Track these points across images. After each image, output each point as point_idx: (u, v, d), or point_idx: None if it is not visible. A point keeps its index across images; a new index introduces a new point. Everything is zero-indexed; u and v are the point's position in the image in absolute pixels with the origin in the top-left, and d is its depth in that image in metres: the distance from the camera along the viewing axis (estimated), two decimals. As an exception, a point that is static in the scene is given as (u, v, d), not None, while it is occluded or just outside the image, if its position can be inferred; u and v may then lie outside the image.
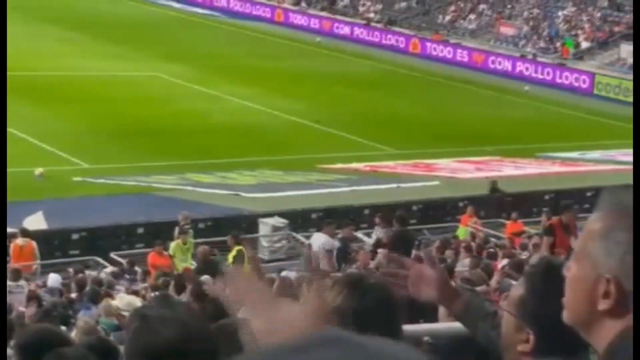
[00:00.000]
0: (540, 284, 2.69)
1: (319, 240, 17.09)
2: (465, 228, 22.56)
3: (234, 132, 32.50)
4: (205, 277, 14.78)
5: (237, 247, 19.04)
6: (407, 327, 4.80)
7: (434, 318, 6.29)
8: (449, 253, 16.55)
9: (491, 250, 16.08)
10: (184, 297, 12.82)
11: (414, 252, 15.97)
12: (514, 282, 8.44)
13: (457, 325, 3.30)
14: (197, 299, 11.06)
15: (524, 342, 2.70)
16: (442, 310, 5.25)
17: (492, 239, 20.11)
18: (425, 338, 4.73)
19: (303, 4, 59.80)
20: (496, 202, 23.71)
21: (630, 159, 25.13)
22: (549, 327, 2.65)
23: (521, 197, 26.54)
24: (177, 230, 20.47)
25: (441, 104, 39.77)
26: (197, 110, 35.34)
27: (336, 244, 17.63)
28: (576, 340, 2.56)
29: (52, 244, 21.15)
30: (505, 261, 12.49)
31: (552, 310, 2.63)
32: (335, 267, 16.35)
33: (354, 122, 35.03)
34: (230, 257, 18.87)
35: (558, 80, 45.39)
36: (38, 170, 25.45)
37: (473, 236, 21.20)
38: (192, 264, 18.92)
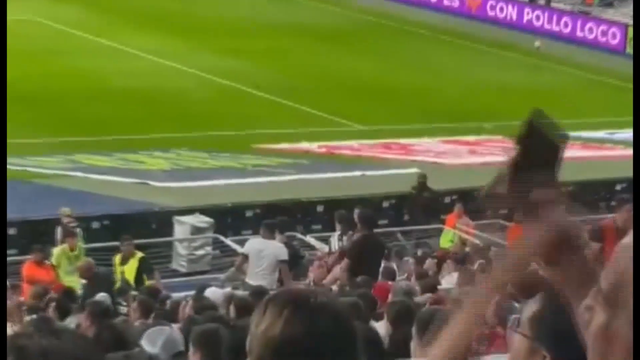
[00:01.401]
0: (558, 297, 2.76)
1: (267, 248, 16.93)
2: (452, 231, 22.72)
3: (142, 99, 32.35)
4: (100, 296, 14.79)
5: (138, 256, 18.87)
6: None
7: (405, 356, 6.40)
8: (430, 264, 16.68)
9: (483, 262, 16.22)
10: (75, 320, 12.83)
11: (383, 263, 16.08)
12: (517, 305, 8.54)
13: None
14: (93, 323, 11.09)
15: None
16: (418, 350, 5.36)
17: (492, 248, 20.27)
18: None
19: None
20: (423, 204, 23.87)
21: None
22: (568, 348, 2.72)
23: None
24: (60, 231, 20.36)
25: (424, 64, 39.93)
26: (91, 69, 35.10)
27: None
28: None
29: None
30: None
31: (572, 328, 2.71)
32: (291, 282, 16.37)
33: (306, 87, 35.03)
34: (131, 270, 18.65)
35: (579, 34, 45.78)
36: None
37: (463, 242, 21.38)
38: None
